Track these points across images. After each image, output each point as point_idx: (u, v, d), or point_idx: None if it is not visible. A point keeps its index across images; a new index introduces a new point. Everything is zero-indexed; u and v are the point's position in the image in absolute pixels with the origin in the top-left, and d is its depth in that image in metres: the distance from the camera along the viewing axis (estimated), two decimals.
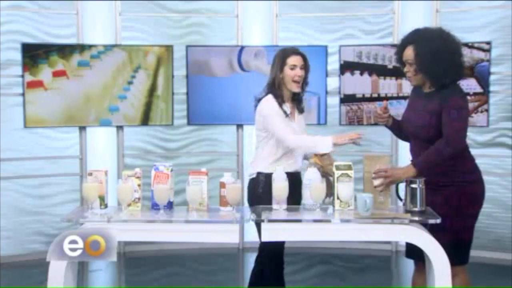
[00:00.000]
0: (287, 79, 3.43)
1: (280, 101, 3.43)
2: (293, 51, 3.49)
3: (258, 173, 3.43)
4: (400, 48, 3.24)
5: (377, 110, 3.35)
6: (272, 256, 3.42)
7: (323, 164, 3.25)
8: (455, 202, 3.11)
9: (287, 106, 3.46)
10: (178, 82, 5.59)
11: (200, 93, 5.53)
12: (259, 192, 3.36)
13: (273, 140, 3.42)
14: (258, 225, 3.07)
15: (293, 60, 3.43)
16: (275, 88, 3.44)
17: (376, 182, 3.05)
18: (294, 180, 3.31)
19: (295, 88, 3.44)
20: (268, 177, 3.20)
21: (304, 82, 3.48)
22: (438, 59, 3.10)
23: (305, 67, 3.46)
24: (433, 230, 2.90)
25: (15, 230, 5.42)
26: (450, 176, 3.13)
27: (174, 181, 3.14)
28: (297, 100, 3.53)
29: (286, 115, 3.43)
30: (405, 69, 3.22)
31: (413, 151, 3.27)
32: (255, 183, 3.44)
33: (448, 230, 3.03)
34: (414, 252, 3.09)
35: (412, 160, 3.17)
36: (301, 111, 3.55)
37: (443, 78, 3.12)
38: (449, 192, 3.11)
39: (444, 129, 3.08)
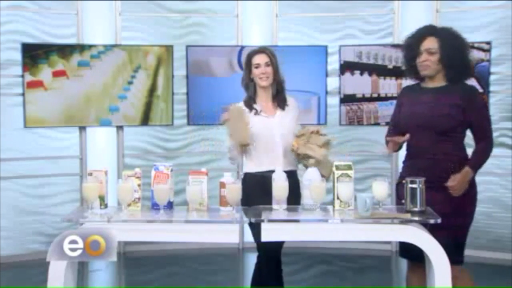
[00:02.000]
0: (255, 78, 3.54)
1: (249, 100, 3.55)
2: (257, 50, 3.61)
3: (245, 175, 3.51)
4: (417, 37, 3.26)
5: (396, 139, 3.29)
6: (268, 256, 3.42)
7: (299, 147, 3.38)
8: (457, 201, 3.13)
9: (258, 104, 3.54)
10: (178, 82, 5.60)
11: (200, 93, 5.53)
12: (245, 193, 3.21)
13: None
14: (251, 225, 3.07)
15: (256, 59, 3.54)
16: (249, 90, 3.58)
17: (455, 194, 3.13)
18: (264, 180, 3.30)
19: (263, 83, 3.52)
20: (249, 177, 3.29)
21: (276, 78, 3.55)
22: (461, 54, 3.22)
23: (272, 63, 3.53)
24: (433, 229, 2.91)
25: (15, 230, 5.42)
26: (455, 173, 3.15)
27: (174, 181, 3.13)
28: (277, 97, 3.58)
29: (256, 112, 3.52)
30: (422, 58, 3.22)
31: (418, 145, 3.23)
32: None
33: (449, 229, 3.04)
34: (408, 252, 3.13)
35: (467, 162, 3.18)
36: (282, 107, 3.58)
37: (460, 74, 3.23)
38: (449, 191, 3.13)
39: (481, 130, 3.21)
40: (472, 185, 3.21)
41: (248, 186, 3.30)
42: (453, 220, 3.08)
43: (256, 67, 3.52)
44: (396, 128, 3.36)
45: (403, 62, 3.41)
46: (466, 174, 3.14)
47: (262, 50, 3.60)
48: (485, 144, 3.22)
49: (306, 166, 3.33)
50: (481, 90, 5.19)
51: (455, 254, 3.06)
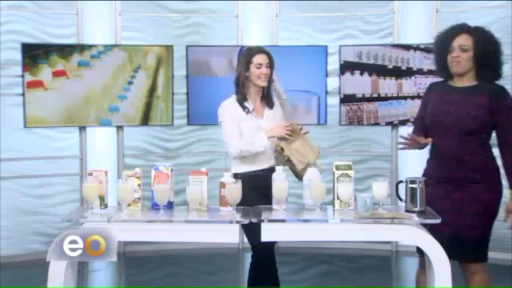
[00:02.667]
0: (253, 77, 3.52)
1: (242, 99, 3.53)
2: (259, 49, 3.59)
3: (234, 175, 3.38)
4: (451, 34, 3.22)
5: (419, 139, 3.26)
6: (261, 255, 3.42)
7: (285, 151, 3.40)
8: (485, 201, 3.15)
9: (250, 103, 3.54)
10: (178, 82, 5.59)
11: (200, 93, 5.53)
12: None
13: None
14: (244, 225, 3.06)
15: (259, 58, 3.52)
16: (239, 86, 3.55)
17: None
18: (262, 179, 3.32)
19: (262, 82, 3.52)
20: (242, 177, 3.19)
21: (269, 80, 3.58)
22: (493, 54, 3.20)
23: (270, 65, 3.55)
24: (459, 227, 2.98)
25: (15, 230, 5.42)
26: (482, 173, 3.16)
27: (174, 181, 3.13)
28: (266, 97, 3.60)
29: (248, 111, 3.51)
30: (455, 54, 3.18)
31: (444, 144, 3.20)
32: None
33: (477, 228, 3.06)
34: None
35: (509, 184, 3.17)
36: (270, 106, 3.60)
37: (491, 74, 3.20)
38: (479, 190, 3.15)
39: (506, 133, 3.16)
40: (499, 185, 3.22)
41: (242, 186, 3.26)
42: (481, 219, 3.12)
43: (258, 67, 3.51)
44: (421, 128, 3.33)
45: (434, 58, 3.35)
46: None
47: (263, 50, 3.59)
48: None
49: (283, 164, 3.39)
50: None
51: (482, 251, 3.12)
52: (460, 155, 3.16)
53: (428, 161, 3.35)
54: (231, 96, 3.59)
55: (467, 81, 3.22)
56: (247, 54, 3.56)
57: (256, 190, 3.27)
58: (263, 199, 3.16)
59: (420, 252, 3.25)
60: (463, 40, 3.18)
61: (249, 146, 3.43)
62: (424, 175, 3.27)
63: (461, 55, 3.17)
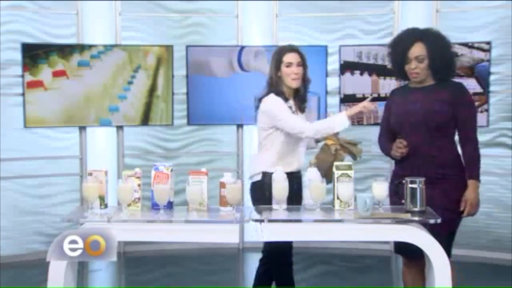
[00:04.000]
0: (284, 76, 3.40)
1: (283, 98, 3.40)
2: (289, 48, 3.46)
3: (264, 174, 3.35)
4: (405, 44, 3.27)
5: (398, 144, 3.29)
6: (278, 256, 3.43)
7: (341, 142, 3.39)
8: (454, 195, 3.21)
9: (291, 103, 3.44)
10: (178, 82, 5.59)
11: (200, 93, 5.53)
12: (267, 196, 3.13)
13: (280, 138, 3.39)
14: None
15: (289, 57, 3.40)
16: (273, 87, 3.42)
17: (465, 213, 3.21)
18: (296, 179, 3.31)
19: (294, 84, 3.41)
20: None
21: (304, 79, 3.45)
22: (447, 55, 3.28)
23: (303, 63, 3.43)
24: (432, 224, 2.94)
25: (15, 230, 5.42)
26: (451, 168, 3.23)
27: (174, 181, 3.13)
28: (299, 98, 3.49)
29: (292, 110, 3.41)
30: (412, 66, 3.25)
31: (413, 142, 3.23)
32: (261, 186, 3.35)
33: (446, 223, 3.05)
34: (403, 248, 3.15)
35: (470, 176, 3.22)
36: (302, 110, 3.52)
37: (447, 73, 3.30)
38: (448, 185, 3.20)
39: (466, 126, 3.25)
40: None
41: (269, 186, 3.12)
42: (449, 214, 3.14)
43: (288, 66, 3.39)
44: (388, 130, 3.40)
45: (392, 67, 3.43)
46: (473, 188, 3.21)
47: (294, 48, 3.45)
48: (472, 148, 3.26)
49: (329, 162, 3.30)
50: (481, 90, 5.21)
51: (447, 247, 3.10)
52: (429, 152, 3.22)
53: (397, 162, 3.38)
54: (270, 95, 3.40)
55: (426, 82, 3.31)
56: (277, 53, 3.44)
57: (291, 191, 3.11)
58: (296, 200, 3.16)
59: (398, 252, 3.37)
60: (418, 50, 3.24)
61: (325, 125, 3.35)
62: (394, 176, 3.33)
63: (418, 65, 3.25)
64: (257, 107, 3.48)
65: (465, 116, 3.25)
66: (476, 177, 3.23)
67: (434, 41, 3.26)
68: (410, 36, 3.30)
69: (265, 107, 3.40)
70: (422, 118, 3.23)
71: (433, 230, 2.86)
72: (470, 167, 3.25)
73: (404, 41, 3.30)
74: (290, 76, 3.39)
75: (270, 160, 3.38)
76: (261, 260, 3.55)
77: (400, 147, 3.25)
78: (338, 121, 3.32)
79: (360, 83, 5.50)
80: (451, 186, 3.21)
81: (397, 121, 3.34)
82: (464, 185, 3.23)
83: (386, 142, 3.42)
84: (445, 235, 3.08)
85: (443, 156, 3.22)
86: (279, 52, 3.44)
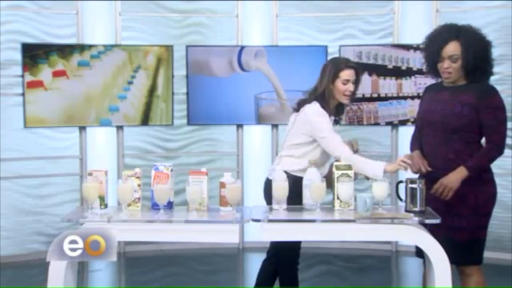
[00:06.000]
0: (337, 92, 3.37)
1: (328, 111, 3.35)
2: (347, 64, 3.39)
3: (285, 171, 3.26)
4: (440, 42, 3.17)
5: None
6: (287, 256, 3.44)
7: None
8: (472, 201, 3.12)
9: (332, 118, 3.42)
10: (178, 82, 5.59)
11: (200, 93, 5.53)
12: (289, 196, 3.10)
13: (318, 150, 3.34)
14: None
15: (346, 74, 3.35)
16: (323, 98, 3.35)
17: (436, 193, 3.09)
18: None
19: (346, 101, 3.41)
20: (297, 180, 3.14)
21: (353, 95, 3.45)
22: (483, 56, 3.14)
23: (356, 81, 3.40)
24: (449, 229, 2.96)
25: (15, 230, 5.41)
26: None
27: (174, 181, 3.14)
28: (339, 112, 3.49)
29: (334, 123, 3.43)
30: (445, 65, 3.15)
31: (429, 143, 3.20)
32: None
33: (465, 229, 3.05)
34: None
35: (465, 164, 3.09)
36: (337, 122, 3.52)
37: (480, 75, 3.15)
38: (465, 191, 3.10)
39: (490, 130, 3.11)
40: (489, 184, 3.20)
41: (292, 188, 3.09)
42: (467, 221, 3.09)
43: (344, 84, 3.35)
44: (417, 127, 3.35)
45: (424, 64, 3.33)
46: (459, 174, 3.07)
47: (353, 66, 3.41)
48: (490, 146, 3.12)
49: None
50: None
51: (472, 254, 3.09)
52: (445, 154, 3.14)
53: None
54: (314, 104, 3.34)
55: (458, 81, 3.21)
56: (334, 66, 3.37)
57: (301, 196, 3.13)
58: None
59: (419, 255, 3.25)
60: (452, 49, 3.13)
61: (359, 165, 3.15)
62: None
63: (452, 65, 3.15)
64: (295, 110, 3.43)
65: (489, 120, 3.09)
66: (470, 169, 3.07)
67: (470, 40, 3.12)
68: (446, 33, 3.17)
69: (312, 117, 3.32)
70: (440, 119, 3.15)
71: (452, 238, 2.84)
72: (474, 158, 3.09)
73: (439, 38, 3.18)
74: (345, 93, 3.37)
75: (300, 163, 3.33)
76: (266, 260, 3.56)
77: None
78: (373, 171, 3.12)
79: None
80: (467, 192, 3.10)
81: (419, 119, 3.30)
82: (483, 191, 3.15)
83: (413, 139, 3.36)
84: (462, 244, 3.03)
85: (460, 160, 3.10)
86: (337, 65, 3.38)
